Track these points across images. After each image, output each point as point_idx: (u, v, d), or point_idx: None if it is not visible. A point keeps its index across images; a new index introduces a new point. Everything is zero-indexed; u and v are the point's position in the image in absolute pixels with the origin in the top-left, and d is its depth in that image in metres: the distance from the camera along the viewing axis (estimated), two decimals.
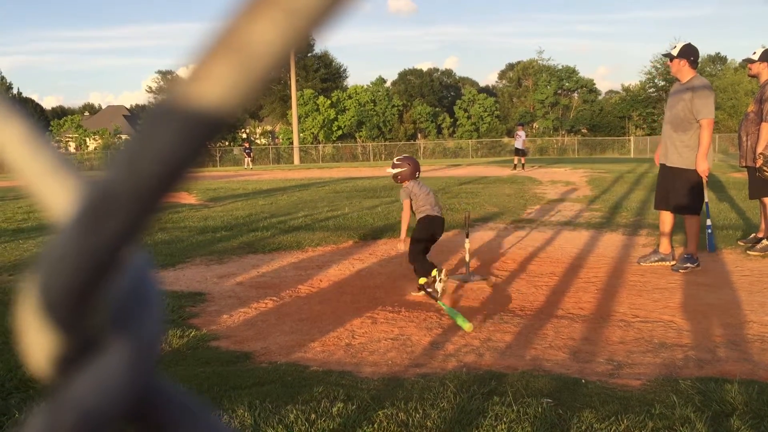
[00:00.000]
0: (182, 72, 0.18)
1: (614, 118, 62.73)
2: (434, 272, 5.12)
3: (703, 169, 5.75)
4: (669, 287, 5.32)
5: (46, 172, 0.22)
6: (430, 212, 5.42)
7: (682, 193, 5.86)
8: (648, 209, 10.40)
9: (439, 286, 5.06)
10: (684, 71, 5.84)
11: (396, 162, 5.64)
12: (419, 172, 5.71)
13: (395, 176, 5.59)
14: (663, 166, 6.07)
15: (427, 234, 5.40)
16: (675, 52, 5.87)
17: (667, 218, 6.15)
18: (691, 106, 5.69)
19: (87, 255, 0.18)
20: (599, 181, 17.28)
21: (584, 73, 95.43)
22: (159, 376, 0.24)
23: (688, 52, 5.80)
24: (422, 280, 5.22)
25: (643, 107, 61.27)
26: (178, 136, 0.18)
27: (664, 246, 6.15)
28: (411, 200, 5.47)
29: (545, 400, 3.02)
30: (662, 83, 59.09)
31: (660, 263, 6.10)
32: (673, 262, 6.02)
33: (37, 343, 0.20)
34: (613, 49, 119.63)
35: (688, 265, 5.82)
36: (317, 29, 0.17)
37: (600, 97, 67.27)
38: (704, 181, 5.84)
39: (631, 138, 53.06)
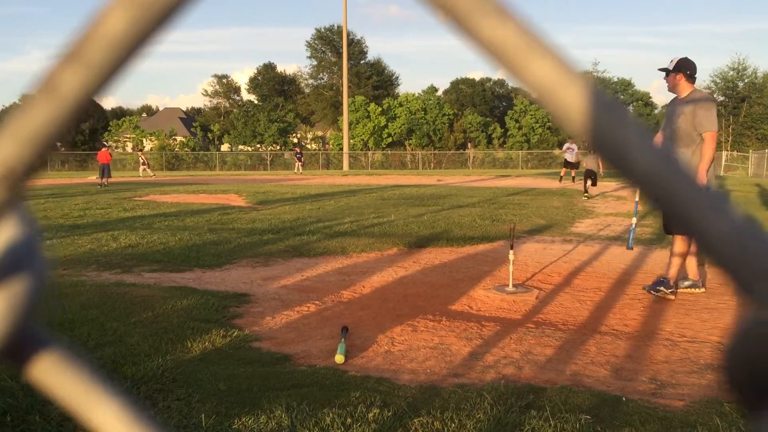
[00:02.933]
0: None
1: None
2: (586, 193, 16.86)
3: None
4: (718, 307, 5.18)
5: None
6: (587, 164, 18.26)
7: None
8: None
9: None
10: (681, 85, 5.54)
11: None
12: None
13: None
14: None
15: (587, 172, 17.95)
16: (671, 67, 5.57)
17: (681, 241, 5.73)
18: (693, 120, 5.40)
19: None
20: None
21: (640, 86, 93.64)
22: (35, 323, 0.29)
23: (685, 66, 5.50)
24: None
25: None
26: (14, 150, 0.25)
27: (692, 271, 5.76)
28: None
29: (584, 416, 2.98)
30: (722, 98, 57.63)
31: (690, 290, 5.72)
32: (703, 290, 5.71)
33: None
34: None
35: (661, 288, 5.51)
36: (113, 78, 0.24)
37: (656, 111, 65.95)
38: None
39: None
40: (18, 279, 0.28)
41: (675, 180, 0.24)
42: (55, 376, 0.29)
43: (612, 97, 0.24)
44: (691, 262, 5.74)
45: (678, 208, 0.24)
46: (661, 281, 5.51)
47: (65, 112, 0.24)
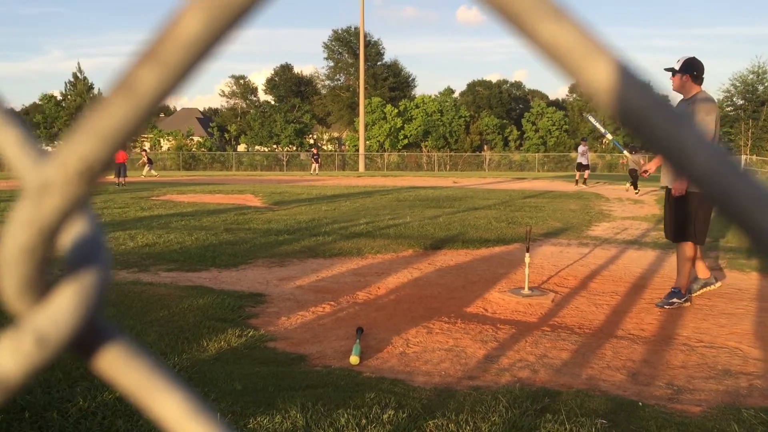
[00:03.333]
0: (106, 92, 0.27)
1: None
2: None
3: (677, 186, 5.29)
4: (737, 312, 5.14)
5: (26, 164, 0.29)
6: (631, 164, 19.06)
7: (679, 217, 5.39)
8: (719, 231, 10.06)
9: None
10: (687, 86, 5.34)
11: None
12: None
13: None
14: (666, 189, 5.61)
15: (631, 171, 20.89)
16: (677, 67, 5.36)
17: (689, 247, 5.51)
18: None
19: (34, 223, 0.26)
20: None
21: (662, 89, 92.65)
22: (102, 317, 0.30)
23: (691, 67, 5.29)
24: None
25: (720, 125, 59.17)
26: (92, 147, 0.26)
27: (702, 270, 5.67)
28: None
29: (600, 420, 2.97)
30: (741, 102, 57.06)
31: (705, 289, 5.67)
32: (719, 284, 5.68)
33: (5, 285, 0.28)
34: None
35: (675, 300, 5.35)
36: (187, 77, 0.25)
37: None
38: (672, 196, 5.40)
39: None
40: (88, 272, 0.29)
41: (736, 180, 0.24)
42: (121, 368, 0.30)
43: (670, 100, 0.25)
44: (699, 263, 5.66)
45: (738, 208, 0.24)
46: (673, 292, 5.38)
47: (141, 110, 0.25)
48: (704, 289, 5.65)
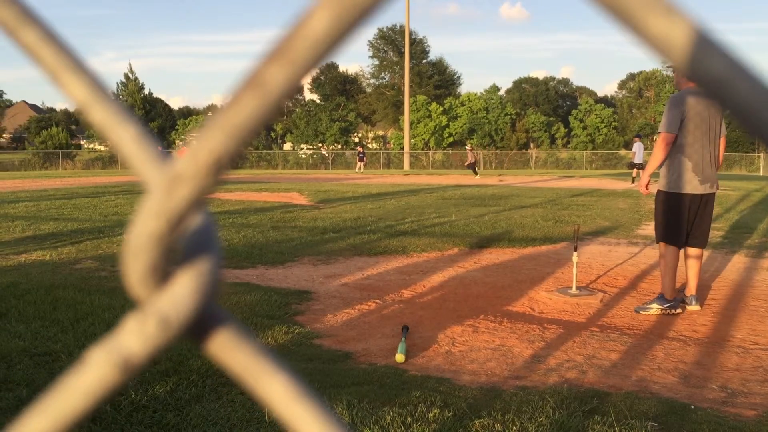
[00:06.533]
0: (221, 99, 0.29)
1: (743, 132, 59.08)
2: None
3: (641, 183, 5.24)
4: None
5: (145, 159, 0.32)
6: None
7: (656, 217, 5.23)
8: None
9: None
10: (680, 82, 5.12)
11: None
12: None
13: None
14: (658, 192, 5.30)
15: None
16: None
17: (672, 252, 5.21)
18: None
19: (164, 213, 0.28)
20: (723, 199, 16.35)
21: None
22: (217, 304, 0.33)
23: None
24: None
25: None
26: (221, 141, 0.28)
27: (689, 287, 5.24)
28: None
29: (650, 423, 2.91)
30: None
31: (666, 308, 5.05)
32: (697, 307, 5.14)
33: (131, 271, 0.30)
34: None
35: (656, 305, 5.03)
36: (311, 72, 0.27)
37: (728, 111, 63.55)
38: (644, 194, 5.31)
39: (761, 155, 49.83)
40: (203, 259, 0.31)
41: None
42: (230, 351, 0.32)
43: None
44: (692, 279, 5.27)
45: None
46: (682, 299, 5.14)
47: (268, 106, 0.27)
48: (665, 309, 5.05)
